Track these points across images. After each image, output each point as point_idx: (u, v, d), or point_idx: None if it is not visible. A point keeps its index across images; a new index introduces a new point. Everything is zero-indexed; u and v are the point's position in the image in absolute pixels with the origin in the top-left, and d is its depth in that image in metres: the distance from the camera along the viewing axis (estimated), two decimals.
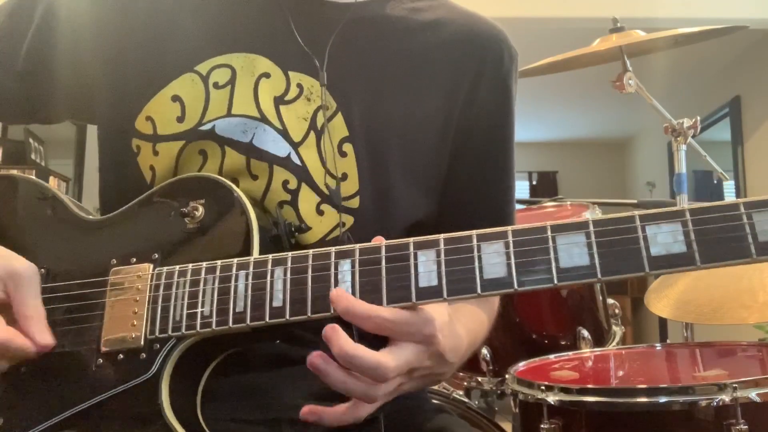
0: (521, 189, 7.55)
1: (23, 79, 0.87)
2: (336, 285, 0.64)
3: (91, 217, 0.79)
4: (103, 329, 0.70)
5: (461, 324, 0.74)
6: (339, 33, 0.84)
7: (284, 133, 0.81)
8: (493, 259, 0.62)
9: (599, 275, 0.60)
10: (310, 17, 0.85)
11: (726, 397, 0.86)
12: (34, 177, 0.82)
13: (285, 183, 0.80)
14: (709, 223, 0.59)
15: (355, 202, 0.81)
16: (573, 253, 0.61)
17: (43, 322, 0.69)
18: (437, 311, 0.65)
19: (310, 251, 0.67)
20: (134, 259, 0.72)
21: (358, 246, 0.65)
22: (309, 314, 0.65)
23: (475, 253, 0.62)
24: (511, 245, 0.62)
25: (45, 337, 0.69)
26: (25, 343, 0.67)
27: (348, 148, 0.81)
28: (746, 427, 0.85)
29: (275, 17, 0.85)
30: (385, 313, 0.62)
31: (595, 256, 0.60)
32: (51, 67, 0.86)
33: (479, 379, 1.67)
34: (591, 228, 0.60)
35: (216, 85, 0.81)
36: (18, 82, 0.87)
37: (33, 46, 0.87)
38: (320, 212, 0.80)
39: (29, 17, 0.87)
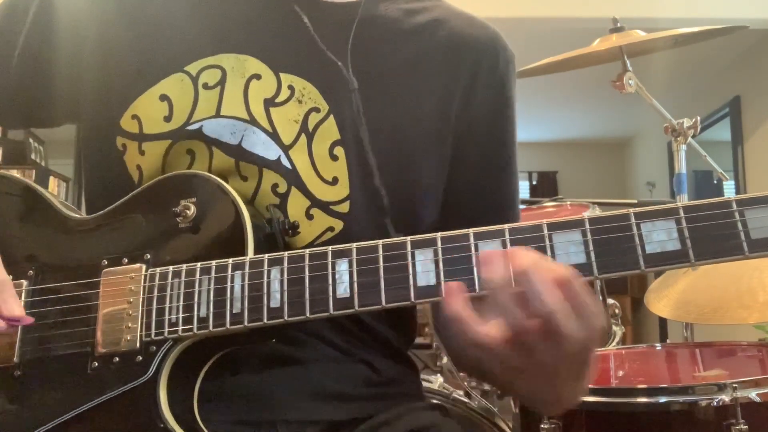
0: (521, 189, 7.45)
1: (19, 80, 0.86)
2: (334, 285, 0.64)
3: (78, 215, 0.77)
4: (97, 332, 0.69)
5: None
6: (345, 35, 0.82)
7: (274, 136, 0.79)
8: None
9: (596, 273, 0.61)
10: (321, 19, 0.83)
11: (726, 397, 0.86)
12: (15, 174, 0.80)
13: (274, 186, 0.78)
14: (703, 221, 0.59)
15: (345, 207, 0.79)
16: (569, 251, 0.61)
17: (7, 292, 0.67)
18: None
19: (307, 251, 0.66)
20: (126, 260, 0.71)
21: (354, 245, 0.65)
22: (308, 314, 0.64)
23: (473, 252, 0.63)
24: (508, 243, 0.62)
25: (9, 306, 0.66)
26: None
27: (339, 151, 0.80)
28: (746, 427, 0.84)
29: (275, 18, 0.84)
30: None
31: (592, 254, 0.61)
32: (44, 66, 0.85)
33: None
34: (587, 226, 0.61)
35: (205, 86, 0.80)
36: (15, 83, 0.87)
37: (27, 46, 0.86)
38: (310, 216, 0.78)
39: (24, 16, 0.87)
